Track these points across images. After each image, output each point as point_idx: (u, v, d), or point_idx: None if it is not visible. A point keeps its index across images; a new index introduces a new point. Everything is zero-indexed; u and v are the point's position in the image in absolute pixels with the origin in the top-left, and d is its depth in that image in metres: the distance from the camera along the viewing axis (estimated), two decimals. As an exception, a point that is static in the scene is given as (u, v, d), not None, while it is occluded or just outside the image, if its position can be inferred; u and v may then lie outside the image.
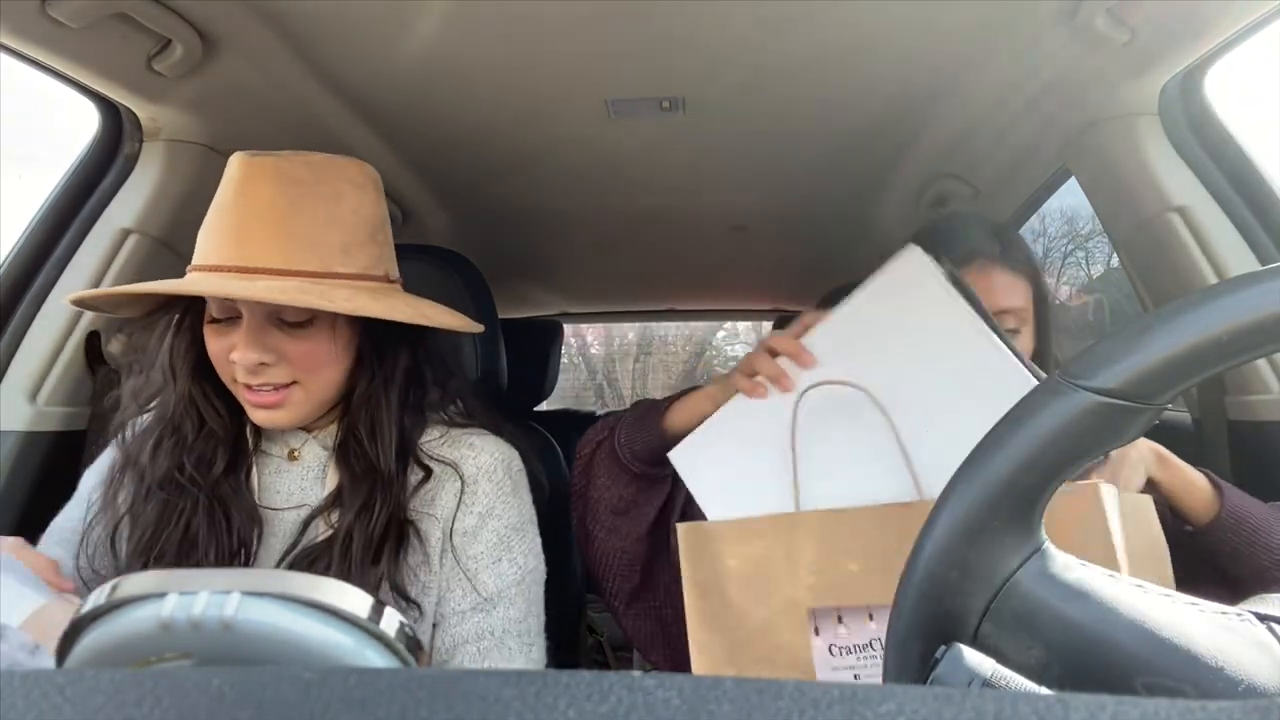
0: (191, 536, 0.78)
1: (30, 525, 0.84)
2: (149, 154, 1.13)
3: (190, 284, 0.74)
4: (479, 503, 0.83)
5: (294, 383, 0.78)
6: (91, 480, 0.86)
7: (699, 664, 0.76)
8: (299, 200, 0.75)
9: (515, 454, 0.89)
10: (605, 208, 1.72)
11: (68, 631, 0.34)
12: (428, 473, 0.83)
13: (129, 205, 1.12)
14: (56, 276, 1.10)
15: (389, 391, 0.82)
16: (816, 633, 0.73)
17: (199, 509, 0.78)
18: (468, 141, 1.37)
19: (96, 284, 1.11)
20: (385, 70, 1.11)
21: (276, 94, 1.12)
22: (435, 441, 0.86)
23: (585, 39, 1.03)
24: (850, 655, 0.74)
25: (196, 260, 0.76)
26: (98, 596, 0.33)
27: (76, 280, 1.10)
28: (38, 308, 1.10)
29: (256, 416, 0.79)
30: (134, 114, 1.08)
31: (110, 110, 1.09)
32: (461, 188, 1.61)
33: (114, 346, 1.14)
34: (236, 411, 0.82)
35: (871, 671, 0.73)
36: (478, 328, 0.85)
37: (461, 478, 0.83)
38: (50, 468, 1.08)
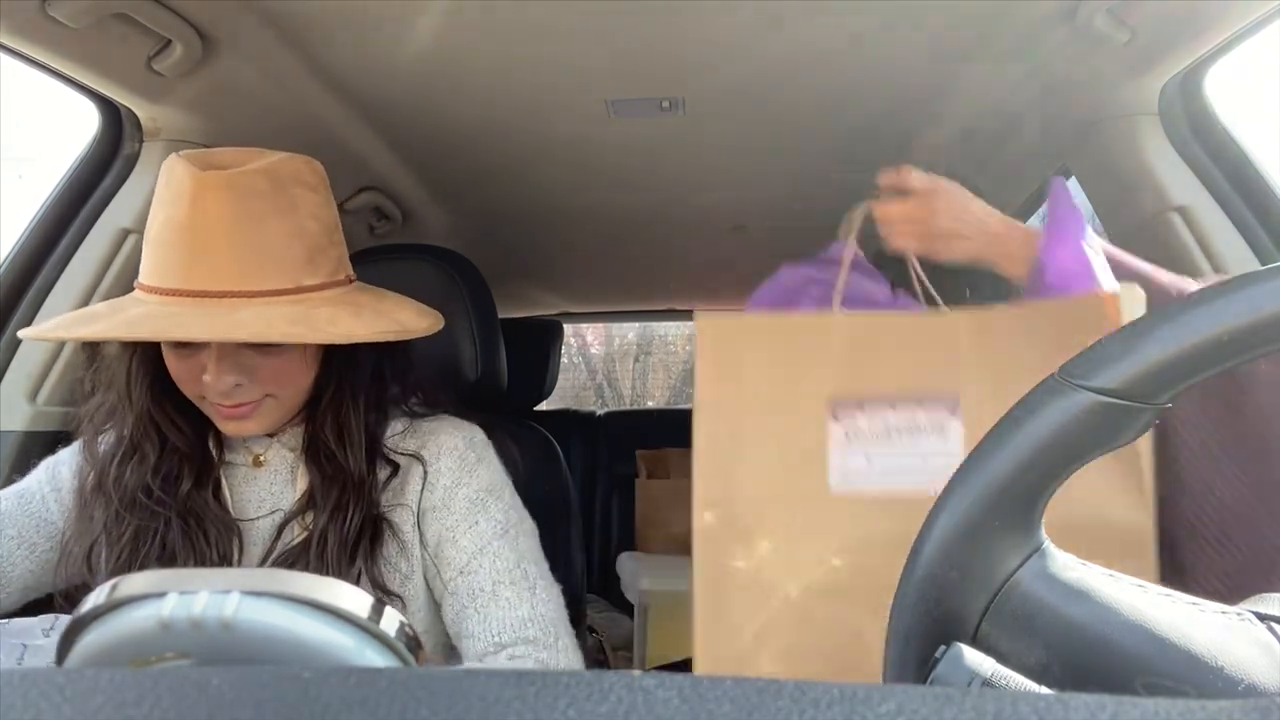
0: (170, 553, 0.77)
1: (30, 525, 0.84)
2: (149, 154, 1.12)
3: (170, 328, 0.70)
4: (443, 477, 0.83)
5: (267, 396, 0.77)
6: (43, 475, 0.85)
7: (700, 454, 0.71)
8: (260, 215, 0.71)
9: (476, 429, 0.88)
10: (605, 208, 1.72)
11: (67, 631, 0.34)
12: (395, 468, 0.83)
13: (129, 205, 1.12)
14: (56, 276, 1.10)
15: (355, 393, 0.81)
16: (835, 418, 0.70)
17: (173, 526, 0.77)
18: (468, 141, 1.37)
19: (96, 284, 1.11)
20: (385, 70, 1.11)
21: (276, 94, 1.12)
22: (399, 435, 0.86)
23: (585, 39, 1.03)
24: (865, 442, 0.69)
25: (153, 280, 0.72)
26: (98, 596, 0.33)
27: (76, 280, 1.10)
28: (38, 308, 1.10)
29: (226, 428, 0.78)
30: (134, 114, 1.08)
31: (110, 110, 1.09)
32: (461, 187, 1.61)
33: (111, 348, 1.14)
34: (198, 425, 0.81)
35: (883, 458, 0.68)
36: (438, 324, 0.83)
37: (424, 461, 0.83)
38: (50, 468, 1.08)
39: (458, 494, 0.83)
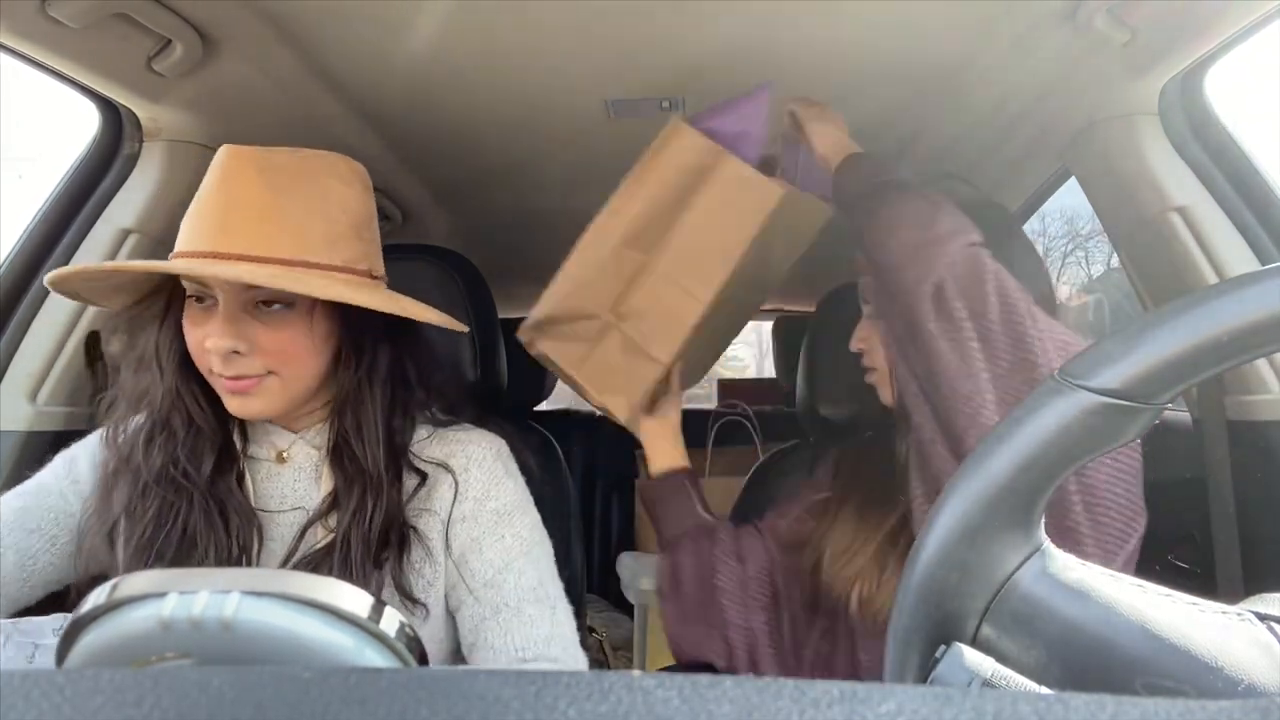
0: (190, 536, 0.77)
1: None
2: (149, 154, 1.13)
3: (162, 263, 0.73)
4: (472, 489, 0.84)
5: (269, 373, 0.77)
6: (60, 469, 0.85)
7: None
8: (282, 189, 0.74)
9: (502, 442, 0.90)
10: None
11: (68, 631, 0.34)
12: (423, 477, 0.83)
13: (129, 205, 1.12)
14: (57, 277, 1.10)
15: (372, 389, 0.81)
16: None
17: (195, 508, 0.78)
18: (468, 141, 1.37)
19: (97, 284, 1.11)
20: (385, 70, 1.11)
21: (276, 94, 1.12)
22: (424, 442, 0.87)
23: (585, 39, 1.03)
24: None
25: (178, 248, 0.76)
26: (98, 596, 0.33)
27: (76, 280, 1.10)
28: (38, 308, 1.10)
29: (232, 405, 0.78)
30: (134, 114, 1.08)
31: (110, 110, 1.09)
32: (461, 188, 1.61)
33: (114, 346, 1.14)
34: (223, 413, 0.81)
35: None
36: (459, 326, 0.84)
37: (453, 471, 0.84)
38: (50, 468, 1.08)
39: (486, 506, 0.84)
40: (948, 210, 0.82)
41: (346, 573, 0.76)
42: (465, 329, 0.85)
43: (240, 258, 0.72)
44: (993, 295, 0.76)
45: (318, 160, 0.78)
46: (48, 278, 0.77)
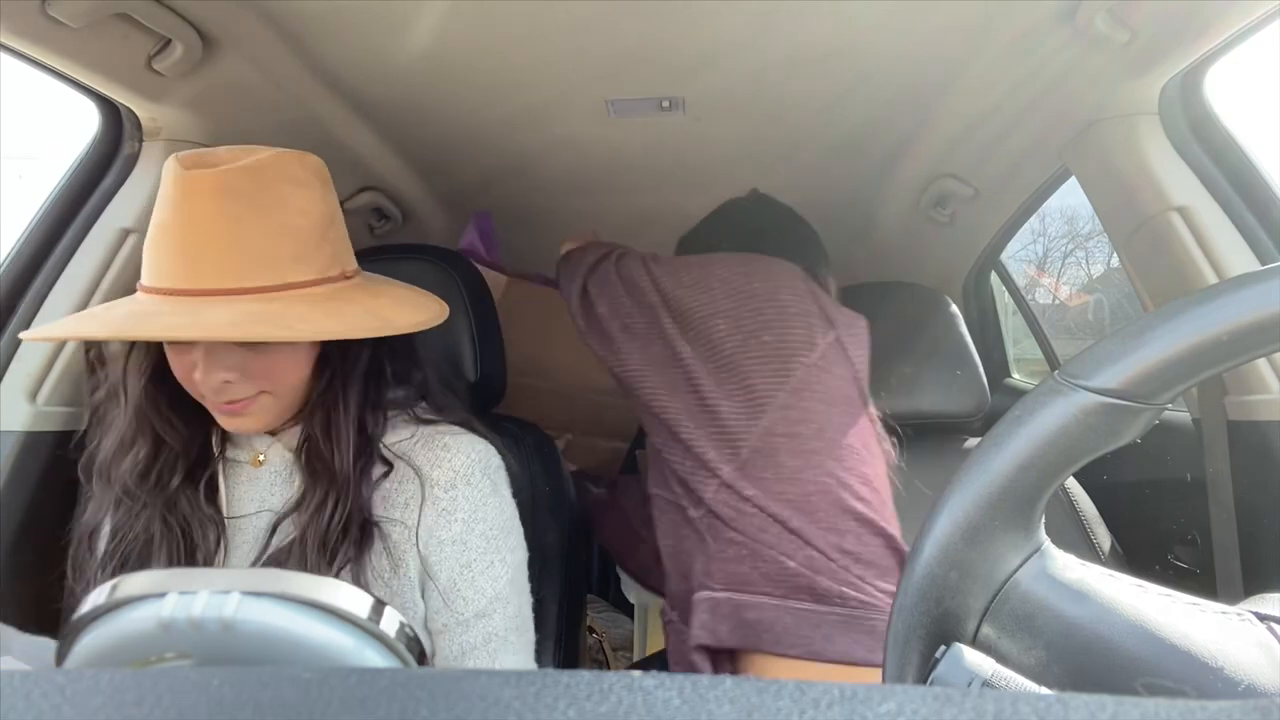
0: (150, 544, 0.77)
1: (30, 525, 0.84)
2: (149, 154, 1.12)
3: (140, 327, 0.71)
4: (460, 509, 0.81)
5: (261, 392, 0.76)
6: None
7: None
8: (243, 215, 0.71)
9: (490, 449, 0.86)
10: (605, 208, 1.72)
11: (67, 631, 0.34)
12: (389, 468, 0.81)
13: (129, 205, 1.12)
14: (56, 276, 1.10)
15: (347, 391, 0.80)
16: None
17: (156, 515, 0.78)
18: (467, 142, 1.37)
19: (96, 284, 1.10)
20: (385, 70, 1.11)
21: (276, 94, 1.12)
22: (406, 442, 0.84)
23: (585, 39, 1.03)
24: None
25: (146, 280, 0.74)
26: (98, 596, 0.33)
27: (76, 280, 1.10)
28: (38, 308, 1.10)
29: (225, 424, 0.77)
30: (134, 114, 1.08)
31: (110, 110, 1.09)
32: (461, 188, 1.61)
33: (114, 346, 1.14)
34: (196, 421, 0.81)
35: None
36: (438, 318, 0.82)
37: (433, 483, 0.81)
38: (50, 468, 1.08)
39: (475, 529, 0.81)
40: (590, 252, 1.15)
41: (303, 569, 0.75)
42: (444, 316, 0.84)
43: (212, 293, 0.70)
44: (617, 283, 1.06)
45: (272, 168, 0.75)
46: (22, 335, 0.77)
